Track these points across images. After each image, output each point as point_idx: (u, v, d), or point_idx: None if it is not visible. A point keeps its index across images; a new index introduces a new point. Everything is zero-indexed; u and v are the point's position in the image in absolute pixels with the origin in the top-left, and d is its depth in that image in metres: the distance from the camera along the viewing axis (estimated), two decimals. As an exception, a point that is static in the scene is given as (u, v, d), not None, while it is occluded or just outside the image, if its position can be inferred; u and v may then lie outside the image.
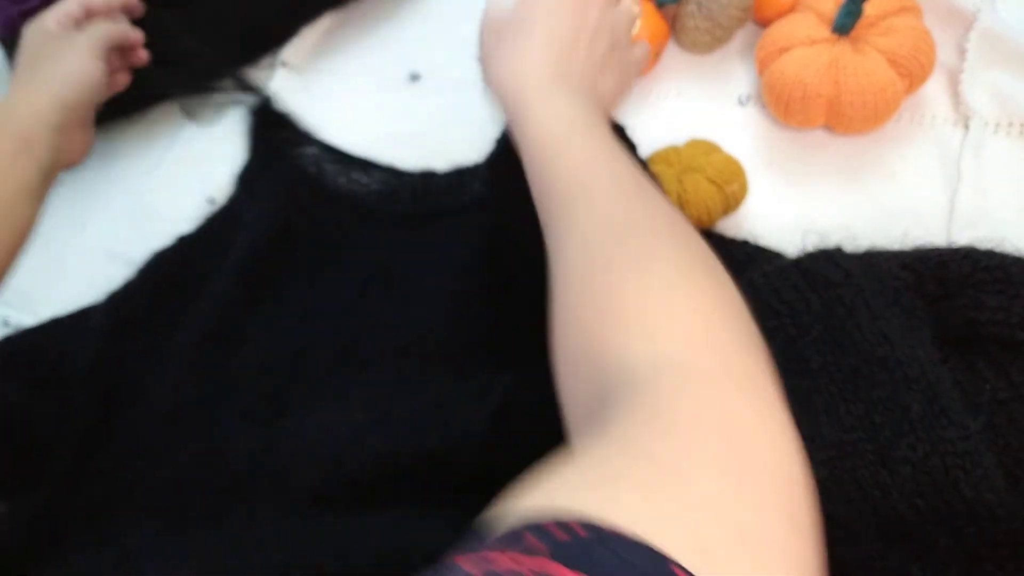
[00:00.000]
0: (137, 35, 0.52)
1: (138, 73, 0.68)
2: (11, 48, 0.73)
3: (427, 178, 0.61)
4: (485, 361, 0.50)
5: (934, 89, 0.54)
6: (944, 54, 0.54)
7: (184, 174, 0.68)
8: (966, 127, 0.53)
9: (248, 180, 0.62)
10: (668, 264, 0.32)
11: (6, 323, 0.65)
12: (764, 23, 0.59)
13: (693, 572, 0.19)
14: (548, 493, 0.23)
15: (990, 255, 0.45)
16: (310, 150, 0.64)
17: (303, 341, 0.55)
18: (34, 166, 0.45)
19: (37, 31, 0.51)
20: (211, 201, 0.65)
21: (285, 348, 0.55)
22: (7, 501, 0.53)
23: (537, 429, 0.41)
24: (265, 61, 0.71)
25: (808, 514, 0.25)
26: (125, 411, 0.56)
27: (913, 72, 0.51)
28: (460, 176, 0.61)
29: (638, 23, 0.46)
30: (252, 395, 0.54)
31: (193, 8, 0.66)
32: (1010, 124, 0.52)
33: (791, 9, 0.57)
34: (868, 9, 0.52)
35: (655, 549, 0.20)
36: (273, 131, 0.64)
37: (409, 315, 0.54)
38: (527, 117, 0.40)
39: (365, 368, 0.53)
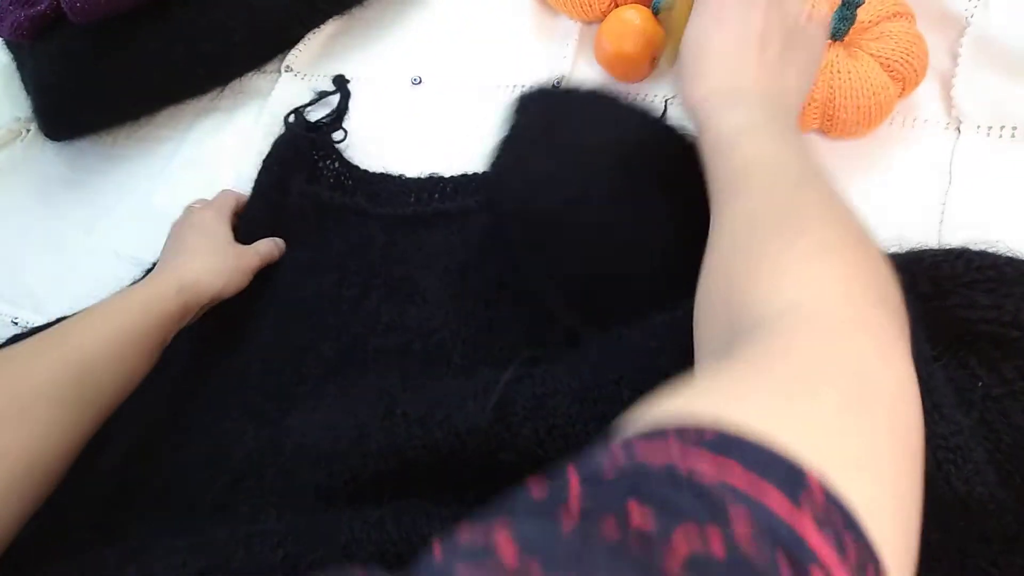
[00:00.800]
0: (279, 254, 0.61)
1: (147, 77, 0.69)
2: (18, 52, 0.74)
3: (431, 181, 0.62)
4: (486, 359, 0.51)
5: (927, 93, 0.55)
6: (937, 58, 0.55)
7: (190, 177, 0.69)
8: (958, 131, 0.54)
9: (263, 181, 0.63)
10: (818, 232, 0.34)
11: (15, 323, 0.66)
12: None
13: (819, 471, 0.21)
14: (678, 404, 0.25)
15: (982, 255, 0.46)
16: (333, 164, 0.65)
17: (306, 340, 0.56)
18: (175, 330, 0.52)
19: (224, 226, 0.59)
20: (216, 203, 0.66)
21: (289, 347, 0.56)
22: None
23: (539, 424, 0.42)
24: (270, 66, 0.73)
25: (917, 457, 0.27)
26: (131, 409, 0.56)
27: (906, 76, 0.52)
28: (463, 180, 0.61)
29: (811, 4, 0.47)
30: (257, 394, 0.54)
31: (201, 14, 0.67)
32: (1002, 127, 0.53)
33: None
34: (862, 14, 0.53)
35: (785, 452, 0.21)
36: (301, 141, 0.65)
37: (411, 314, 0.55)
38: (706, 127, 0.43)
39: (368, 366, 0.54)
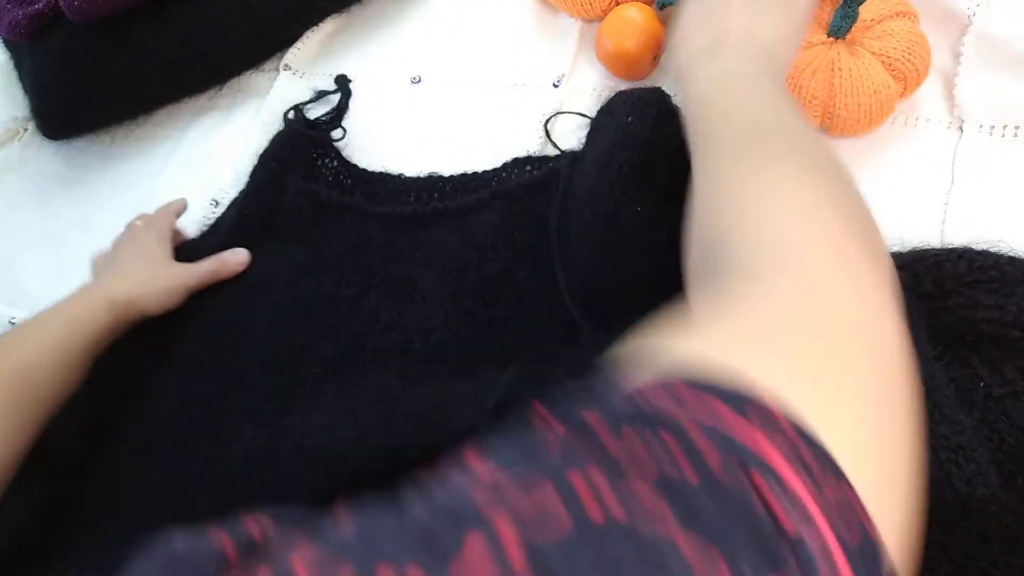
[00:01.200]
0: (240, 266, 0.60)
1: (145, 75, 0.69)
2: (15, 51, 0.74)
3: (430, 181, 0.62)
4: (486, 359, 0.51)
5: (929, 92, 0.55)
6: (939, 57, 0.55)
7: (188, 176, 0.69)
8: (961, 130, 0.53)
9: (259, 178, 0.63)
10: (788, 162, 0.35)
11: (12, 323, 0.66)
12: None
13: (786, 408, 0.22)
14: (651, 347, 0.26)
15: (985, 255, 0.45)
16: (331, 163, 0.64)
17: (305, 339, 0.55)
18: (109, 340, 0.55)
19: (161, 245, 0.60)
20: (215, 203, 0.66)
21: (288, 347, 0.55)
22: (15, 497, 0.54)
23: None
24: (269, 64, 0.72)
25: (898, 369, 0.27)
26: (130, 409, 0.56)
27: (908, 75, 0.52)
28: (463, 179, 0.61)
29: None
30: (256, 394, 0.54)
31: (199, 13, 0.67)
32: (1004, 127, 0.52)
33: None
34: (864, 13, 0.52)
35: (756, 394, 0.22)
36: (299, 138, 0.64)
37: (410, 313, 0.55)
38: (685, 88, 0.44)
39: (367, 365, 0.53)
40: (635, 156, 0.48)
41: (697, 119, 0.41)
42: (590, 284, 0.49)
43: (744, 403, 0.22)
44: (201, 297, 0.59)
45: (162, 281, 0.57)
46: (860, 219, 0.33)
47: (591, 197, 0.49)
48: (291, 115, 0.66)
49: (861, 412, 0.25)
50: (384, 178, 0.63)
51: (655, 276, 0.48)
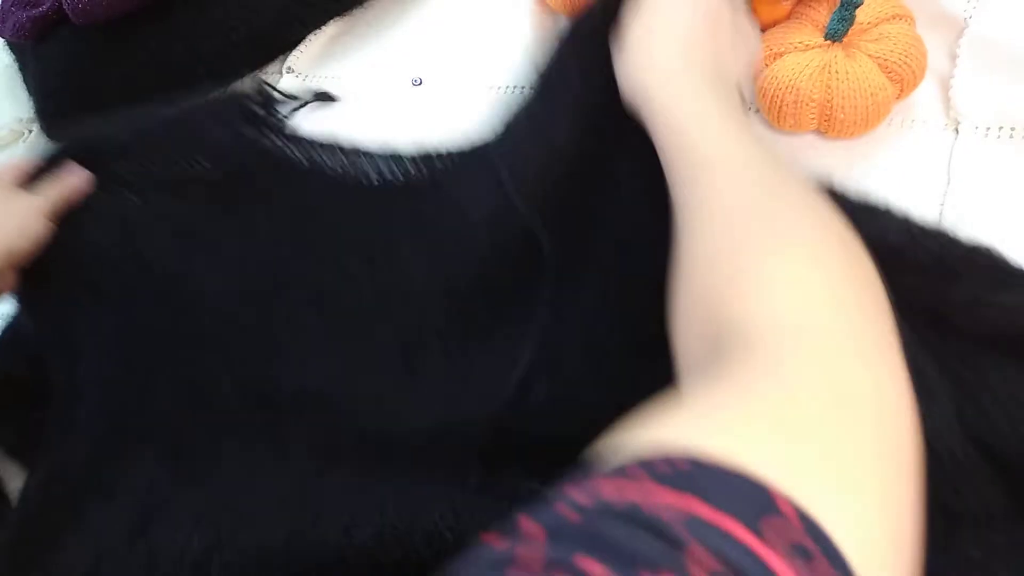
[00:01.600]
0: (83, 185, 0.57)
1: (149, 78, 0.69)
2: (19, 53, 0.75)
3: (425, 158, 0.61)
4: (491, 341, 0.51)
5: (925, 94, 0.55)
6: (935, 59, 0.55)
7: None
8: (956, 131, 0.54)
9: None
10: (799, 236, 0.32)
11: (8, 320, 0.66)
12: (763, 27, 0.60)
13: (791, 495, 0.21)
14: (654, 430, 0.25)
15: (955, 244, 0.46)
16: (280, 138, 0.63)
17: (303, 319, 0.55)
18: None
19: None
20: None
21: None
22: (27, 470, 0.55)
23: (542, 415, 0.42)
24: (271, 67, 0.73)
25: (910, 461, 0.26)
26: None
27: (904, 77, 0.52)
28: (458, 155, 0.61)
29: None
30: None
31: (202, 15, 0.67)
32: (1000, 128, 0.53)
33: (787, 16, 0.58)
34: (861, 16, 0.53)
35: (756, 479, 0.21)
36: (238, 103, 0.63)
37: (405, 288, 0.54)
38: (657, 110, 0.41)
39: (371, 338, 0.53)
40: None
41: (679, 156, 0.39)
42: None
43: (756, 509, 0.21)
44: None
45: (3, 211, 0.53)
46: (875, 294, 0.32)
47: None
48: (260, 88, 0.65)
49: (869, 500, 0.24)
50: (334, 149, 0.61)
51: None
